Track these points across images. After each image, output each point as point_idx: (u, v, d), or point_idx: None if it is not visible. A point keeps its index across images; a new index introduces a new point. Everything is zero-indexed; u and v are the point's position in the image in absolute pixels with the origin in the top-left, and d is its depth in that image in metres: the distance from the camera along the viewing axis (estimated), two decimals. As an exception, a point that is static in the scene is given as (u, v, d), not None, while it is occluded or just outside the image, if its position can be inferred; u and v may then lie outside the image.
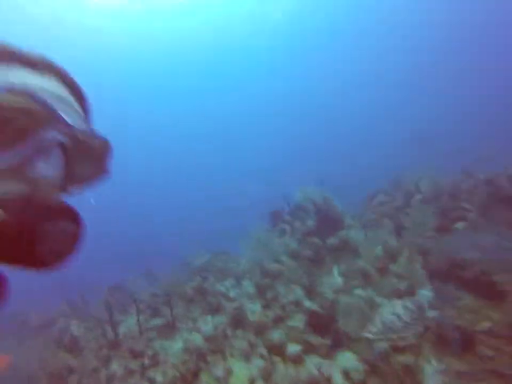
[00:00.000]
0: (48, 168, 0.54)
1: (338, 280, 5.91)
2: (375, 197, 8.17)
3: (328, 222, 6.68)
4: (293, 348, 2.87)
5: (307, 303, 4.54)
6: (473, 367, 3.35)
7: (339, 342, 3.72)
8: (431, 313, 2.79)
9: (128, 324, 6.23)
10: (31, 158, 0.54)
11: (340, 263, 6.26)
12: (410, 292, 4.67)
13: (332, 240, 6.42)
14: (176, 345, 5.20)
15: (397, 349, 3.46)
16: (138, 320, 5.73)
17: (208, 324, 5.32)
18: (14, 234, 0.46)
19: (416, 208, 5.87)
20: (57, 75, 0.66)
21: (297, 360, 2.78)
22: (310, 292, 5.17)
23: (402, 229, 5.85)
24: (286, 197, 7.92)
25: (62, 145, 0.56)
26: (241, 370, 3.01)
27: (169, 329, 5.71)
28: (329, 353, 3.60)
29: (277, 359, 3.08)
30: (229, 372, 3.13)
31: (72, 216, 0.55)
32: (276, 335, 4.09)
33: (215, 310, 5.86)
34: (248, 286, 5.85)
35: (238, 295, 5.89)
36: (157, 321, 6.00)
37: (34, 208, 0.50)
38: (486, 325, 3.64)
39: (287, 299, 4.68)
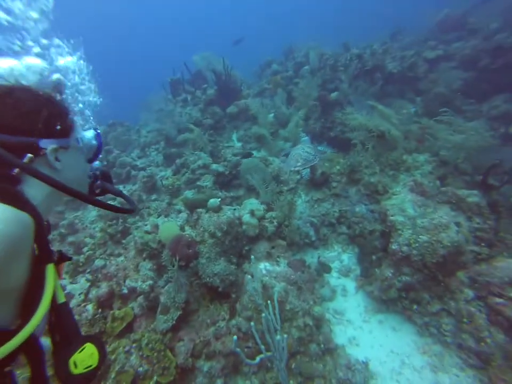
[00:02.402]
0: None
1: (237, 145, 6.53)
2: (269, 66, 8.23)
3: (228, 90, 6.66)
4: (214, 201, 3.44)
5: (213, 166, 5.05)
6: (325, 196, 4.81)
7: (244, 194, 4.59)
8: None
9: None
10: None
11: (238, 130, 6.76)
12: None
13: (231, 109, 6.63)
14: (92, 213, 5.29)
15: (282, 191, 4.56)
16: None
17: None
18: None
19: (304, 79, 6.37)
20: None
21: (216, 210, 3.41)
22: (214, 156, 5.61)
23: (292, 98, 6.45)
24: (186, 65, 7.12)
25: None
26: (168, 223, 3.51)
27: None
28: (235, 203, 4.47)
29: (200, 210, 3.66)
30: (156, 226, 3.61)
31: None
32: (190, 194, 4.64)
33: (124, 180, 5.88)
34: (155, 155, 5.87)
35: (146, 165, 5.93)
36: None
37: None
38: (336, 168, 5.01)
39: (195, 164, 5.06)
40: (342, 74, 6.22)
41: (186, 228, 3.48)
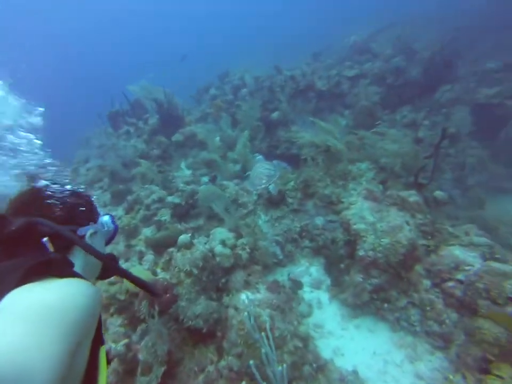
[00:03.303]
0: None
1: (187, 173, 6.34)
2: (207, 91, 8.30)
3: (170, 118, 6.48)
4: (184, 237, 3.22)
5: (169, 198, 4.81)
6: (284, 213, 4.95)
7: (204, 223, 4.45)
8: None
9: None
10: None
11: (186, 157, 6.59)
12: (243, 173, 5.75)
13: (177, 137, 6.46)
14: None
15: (245, 215, 4.56)
16: None
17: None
18: None
19: (246, 102, 6.57)
20: None
21: (188, 246, 3.20)
22: (166, 188, 5.35)
23: (235, 121, 6.58)
24: (125, 95, 6.71)
25: None
26: (134, 269, 3.16)
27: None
28: (197, 233, 4.30)
29: (171, 250, 3.39)
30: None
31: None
32: (149, 232, 4.32)
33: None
34: (100, 194, 5.34)
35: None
36: None
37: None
38: (291, 184, 5.22)
39: (149, 199, 4.75)
40: (280, 95, 6.60)
41: (158, 270, 3.20)
